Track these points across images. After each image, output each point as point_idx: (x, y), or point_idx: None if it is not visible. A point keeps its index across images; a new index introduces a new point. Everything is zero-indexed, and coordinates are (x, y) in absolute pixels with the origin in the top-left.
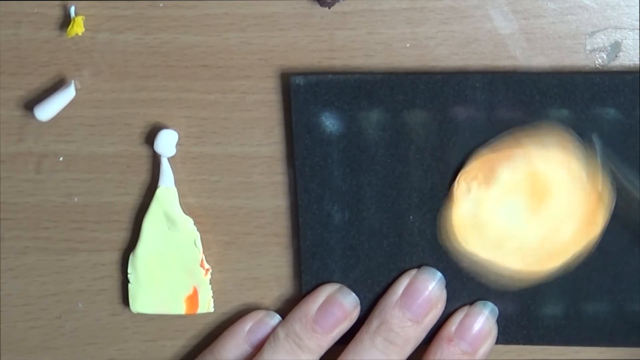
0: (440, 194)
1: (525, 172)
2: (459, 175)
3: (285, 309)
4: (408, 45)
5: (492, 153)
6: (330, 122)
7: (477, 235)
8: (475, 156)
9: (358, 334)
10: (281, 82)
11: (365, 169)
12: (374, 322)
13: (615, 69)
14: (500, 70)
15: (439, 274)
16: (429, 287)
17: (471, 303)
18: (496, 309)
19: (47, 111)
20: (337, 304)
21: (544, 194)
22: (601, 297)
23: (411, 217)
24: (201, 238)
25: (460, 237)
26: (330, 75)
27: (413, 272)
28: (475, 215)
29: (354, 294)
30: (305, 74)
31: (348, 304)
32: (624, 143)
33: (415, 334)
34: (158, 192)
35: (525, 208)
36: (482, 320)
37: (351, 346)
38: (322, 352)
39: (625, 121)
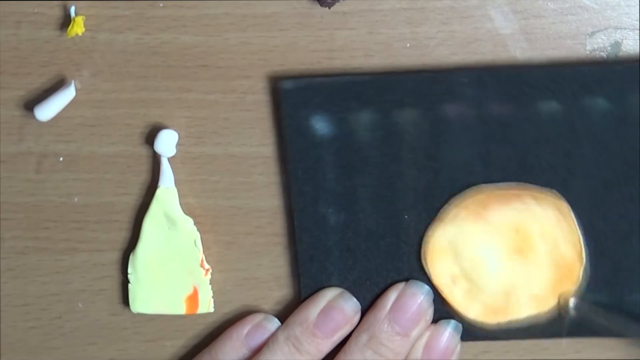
0: (434, 192)
1: (514, 221)
2: (451, 199)
3: (285, 310)
4: (408, 45)
5: (492, 191)
6: (321, 125)
7: (449, 260)
8: (474, 188)
9: (347, 346)
10: (272, 86)
11: (359, 170)
12: (362, 336)
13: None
14: (488, 66)
15: (426, 287)
16: (418, 301)
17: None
18: (460, 326)
19: (47, 111)
20: (338, 309)
21: (523, 247)
22: (600, 289)
23: (406, 216)
24: (201, 238)
25: (430, 257)
26: (319, 78)
27: (400, 285)
28: (454, 242)
29: (355, 299)
30: (294, 77)
31: (349, 309)
32: (615, 134)
33: (404, 347)
34: (158, 192)
35: (501, 254)
36: (446, 337)
37: (341, 357)
38: (321, 356)
39: (616, 111)
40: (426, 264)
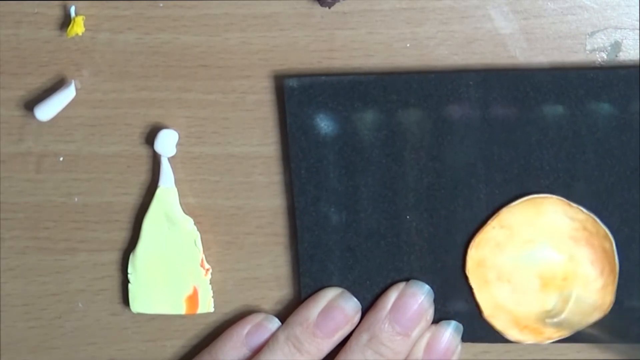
0: (436, 193)
1: (561, 270)
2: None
3: (285, 309)
4: (408, 45)
5: (599, 232)
6: (325, 124)
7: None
8: (597, 223)
9: (347, 346)
10: (275, 84)
11: (361, 170)
12: (363, 336)
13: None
14: (491, 67)
15: (427, 287)
16: (419, 300)
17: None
18: (460, 326)
19: (47, 111)
20: (339, 309)
21: (551, 285)
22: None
23: (408, 216)
24: (201, 238)
25: (509, 212)
26: (323, 77)
27: (401, 285)
28: (530, 224)
29: (355, 299)
30: (299, 75)
31: (349, 308)
32: (619, 139)
33: (405, 347)
34: (158, 192)
35: (537, 269)
36: (447, 337)
37: (341, 357)
38: (322, 356)
39: (620, 116)
40: (499, 217)
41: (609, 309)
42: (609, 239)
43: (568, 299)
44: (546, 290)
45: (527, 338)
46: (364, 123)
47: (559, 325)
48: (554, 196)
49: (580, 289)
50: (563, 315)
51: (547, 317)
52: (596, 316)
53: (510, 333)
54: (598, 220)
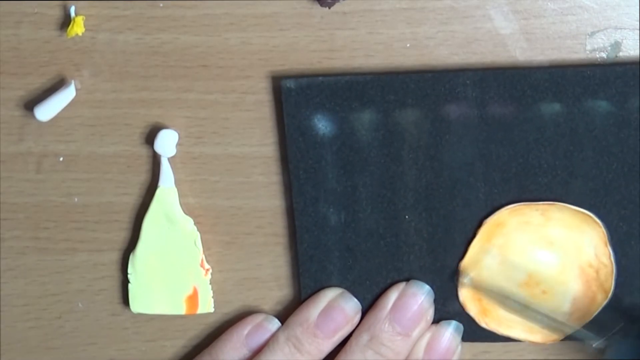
0: (435, 192)
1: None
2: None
3: (286, 310)
4: (408, 45)
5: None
6: (322, 124)
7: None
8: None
9: (347, 347)
10: (274, 84)
11: (360, 170)
12: (363, 336)
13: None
14: (491, 67)
15: (427, 287)
16: (419, 301)
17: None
18: (461, 326)
19: (47, 111)
20: (339, 309)
21: (532, 285)
22: None
23: (407, 216)
24: (201, 238)
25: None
26: (321, 78)
27: (401, 285)
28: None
29: (355, 299)
30: (296, 76)
31: (350, 309)
32: (616, 136)
33: (405, 347)
34: (158, 192)
35: (526, 267)
36: (447, 337)
37: (342, 358)
38: (322, 356)
39: (618, 113)
40: (546, 207)
41: (549, 343)
42: (606, 296)
43: (528, 307)
44: (523, 288)
45: (472, 309)
46: (361, 123)
47: (500, 319)
48: (602, 226)
49: (545, 310)
50: (513, 316)
51: (501, 306)
52: (535, 339)
53: (462, 292)
54: (615, 274)
